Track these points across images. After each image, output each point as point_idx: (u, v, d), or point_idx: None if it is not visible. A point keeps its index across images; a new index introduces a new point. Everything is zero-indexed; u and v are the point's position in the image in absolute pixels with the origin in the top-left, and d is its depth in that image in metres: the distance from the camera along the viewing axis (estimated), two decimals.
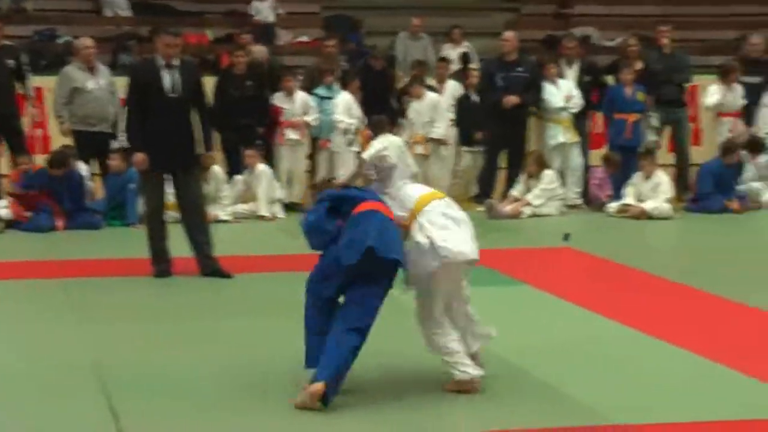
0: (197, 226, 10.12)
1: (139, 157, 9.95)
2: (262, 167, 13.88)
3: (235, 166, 14.06)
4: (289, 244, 12.03)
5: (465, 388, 6.50)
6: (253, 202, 13.75)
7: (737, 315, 8.53)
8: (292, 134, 14.45)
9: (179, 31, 10.70)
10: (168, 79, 9.88)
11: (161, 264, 10.09)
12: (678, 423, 6.00)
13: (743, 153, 14.79)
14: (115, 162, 13.26)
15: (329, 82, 14.67)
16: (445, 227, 6.47)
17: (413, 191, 6.69)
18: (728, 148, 14.59)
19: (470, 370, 6.52)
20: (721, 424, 6.03)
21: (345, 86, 14.69)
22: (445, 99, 14.89)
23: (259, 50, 15.74)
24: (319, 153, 14.61)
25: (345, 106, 14.35)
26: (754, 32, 16.79)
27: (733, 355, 7.25)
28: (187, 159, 10.03)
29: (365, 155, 6.82)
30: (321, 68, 14.98)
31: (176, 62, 9.96)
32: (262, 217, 13.63)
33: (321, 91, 14.64)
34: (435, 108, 14.59)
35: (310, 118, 14.43)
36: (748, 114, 15.48)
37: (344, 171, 14.19)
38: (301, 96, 14.50)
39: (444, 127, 14.67)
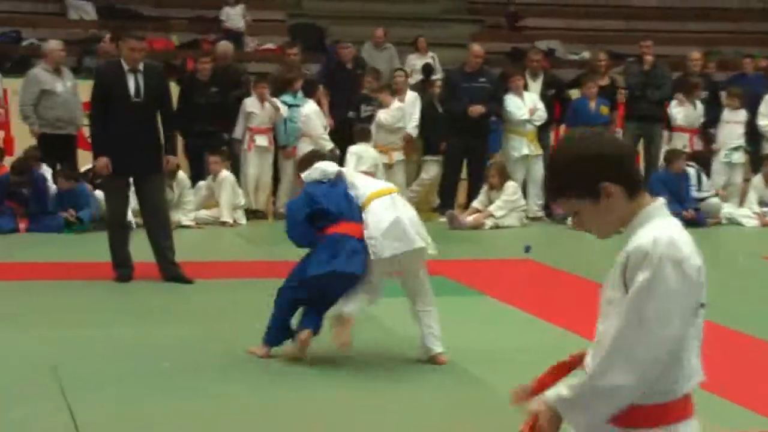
0: (160, 231, 10.10)
1: (102, 161, 9.91)
2: (225, 173, 13.85)
3: (198, 172, 14.05)
4: (249, 251, 12.08)
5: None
6: (215, 208, 13.75)
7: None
8: (260, 140, 14.41)
9: (143, 35, 10.69)
10: (132, 84, 9.84)
11: (123, 269, 10.06)
12: None
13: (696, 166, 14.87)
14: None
15: (297, 89, 14.58)
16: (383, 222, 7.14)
17: (363, 188, 7.35)
18: (672, 155, 14.67)
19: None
20: None
21: (309, 94, 14.67)
22: (405, 109, 14.79)
23: (224, 44, 15.68)
24: (285, 161, 14.45)
25: (316, 117, 14.28)
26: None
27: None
28: (150, 164, 9.99)
29: (303, 176, 7.41)
30: (285, 76, 14.91)
31: (141, 67, 9.93)
32: (224, 224, 13.63)
33: (287, 98, 14.51)
34: (402, 117, 14.57)
35: (283, 112, 14.27)
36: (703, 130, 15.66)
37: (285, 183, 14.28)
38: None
39: (415, 126, 14.68)
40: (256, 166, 14.40)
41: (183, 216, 13.26)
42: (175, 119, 10.63)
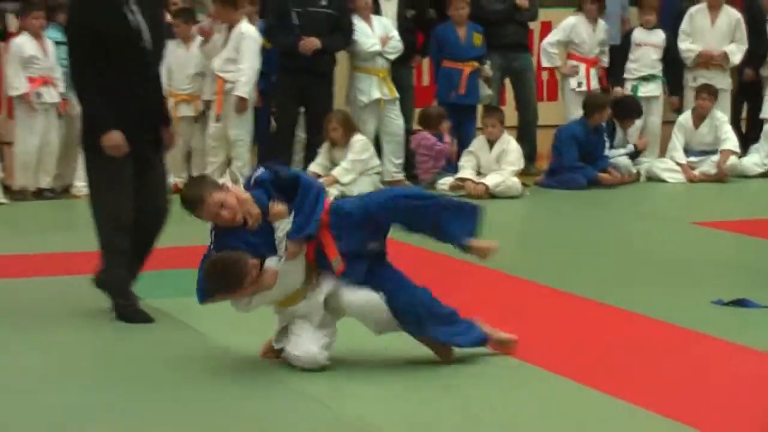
0: None
1: None
2: None
3: None
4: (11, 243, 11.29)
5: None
6: None
7: (592, 314, 8.38)
8: (49, 95, 13.56)
9: None
10: None
11: None
12: None
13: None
14: None
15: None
16: None
17: None
18: (594, 102, 14.06)
19: None
20: None
21: None
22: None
23: None
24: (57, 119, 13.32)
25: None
26: None
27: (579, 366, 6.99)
28: None
29: None
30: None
31: None
32: None
33: (54, 34, 13.35)
34: (208, 56, 13.61)
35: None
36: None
37: None
38: None
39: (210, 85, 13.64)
40: (41, 132, 13.44)
41: None
42: None
